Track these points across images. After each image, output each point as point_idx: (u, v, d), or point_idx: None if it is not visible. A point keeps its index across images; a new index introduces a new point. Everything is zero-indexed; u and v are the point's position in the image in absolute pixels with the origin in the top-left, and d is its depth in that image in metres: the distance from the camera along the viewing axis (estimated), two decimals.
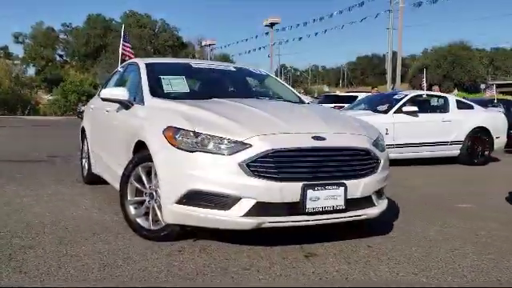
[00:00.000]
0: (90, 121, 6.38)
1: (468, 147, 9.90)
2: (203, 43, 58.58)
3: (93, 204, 5.19)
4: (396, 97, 10.09)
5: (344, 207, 3.58)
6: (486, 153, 10.12)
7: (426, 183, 7.42)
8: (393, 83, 31.64)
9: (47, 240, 3.81)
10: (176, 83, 4.75)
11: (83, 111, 29.18)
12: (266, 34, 42.97)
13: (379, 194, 3.95)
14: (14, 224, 4.26)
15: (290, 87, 5.63)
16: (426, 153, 9.58)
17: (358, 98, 14.99)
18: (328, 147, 3.58)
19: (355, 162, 3.69)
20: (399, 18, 28.05)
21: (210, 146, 3.47)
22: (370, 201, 3.83)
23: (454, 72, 59.12)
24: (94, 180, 6.12)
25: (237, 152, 3.41)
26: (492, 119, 10.34)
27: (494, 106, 13.66)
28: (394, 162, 6.24)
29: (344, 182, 3.56)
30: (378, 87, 20.85)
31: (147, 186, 3.90)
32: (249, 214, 3.40)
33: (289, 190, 3.41)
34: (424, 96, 10.51)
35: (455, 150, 9.87)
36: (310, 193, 3.43)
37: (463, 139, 9.85)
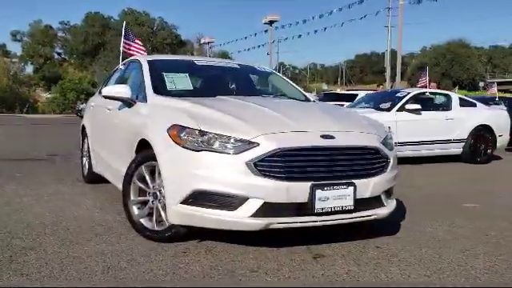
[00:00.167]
0: (91, 119, 6.28)
1: (471, 145, 9.84)
2: (202, 41, 58.40)
3: (94, 204, 5.10)
4: (398, 95, 10.01)
5: (353, 207, 3.49)
6: (489, 151, 10.07)
7: (431, 182, 7.34)
8: (392, 81, 31.60)
9: (48, 241, 3.72)
10: (179, 81, 4.65)
11: (82, 109, 29.06)
12: (265, 31, 42.88)
13: (388, 193, 3.86)
14: (14, 224, 4.17)
15: (295, 85, 5.54)
16: (429, 151, 9.51)
17: (358, 96, 14.92)
18: (337, 146, 3.49)
19: (365, 161, 3.61)
20: (399, 16, 27.96)
21: (216, 145, 3.38)
22: (380, 201, 3.75)
23: (453, 70, 59.19)
24: (95, 179, 6.03)
25: (244, 151, 3.32)
26: (495, 117, 10.28)
27: (495, 104, 13.60)
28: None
29: (353, 181, 3.48)
30: (383, 84, 20.66)
31: (151, 185, 3.80)
32: (256, 214, 3.30)
33: (297, 190, 3.32)
34: (427, 94, 10.43)
35: (458, 149, 9.80)
36: (318, 193, 3.34)
37: (466, 137, 9.79)
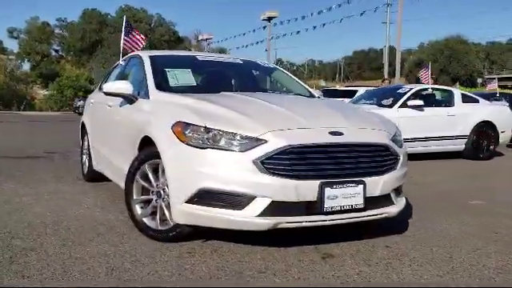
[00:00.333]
0: (91, 116, 6.18)
1: (473, 142, 9.77)
2: (200, 37, 58.10)
3: (95, 202, 5.00)
4: (400, 91, 9.92)
5: (363, 206, 3.40)
6: (491, 147, 9.99)
7: (435, 179, 7.26)
8: (390, 78, 31.45)
9: (50, 241, 3.62)
10: (182, 76, 4.56)
11: (79, 106, 28.86)
12: (264, 28, 42.68)
13: (397, 191, 3.78)
14: (14, 224, 4.07)
15: (299, 81, 5.44)
16: (431, 147, 9.43)
17: (358, 93, 14.81)
18: (346, 143, 3.40)
19: (374, 158, 3.51)
20: (399, 11, 27.82)
21: (222, 143, 3.29)
22: (389, 199, 3.66)
23: (451, 66, 59.05)
24: (95, 177, 5.94)
25: (251, 148, 3.22)
26: (497, 113, 10.21)
27: (496, 100, 13.52)
28: None
29: (363, 179, 3.39)
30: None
31: (154, 184, 3.71)
32: (264, 214, 3.21)
33: (306, 189, 3.23)
34: (429, 90, 10.34)
35: (460, 145, 9.72)
36: (327, 191, 3.25)
37: (468, 133, 9.72)
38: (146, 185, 3.76)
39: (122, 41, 8.37)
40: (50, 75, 53.49)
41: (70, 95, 41.45)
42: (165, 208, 3.61)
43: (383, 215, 3.61)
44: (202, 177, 3.27)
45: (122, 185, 4.42)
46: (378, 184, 3.47)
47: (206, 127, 3.34)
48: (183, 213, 3.36)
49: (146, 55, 4.90)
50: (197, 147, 3.31)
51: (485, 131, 9.88)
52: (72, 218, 4.35)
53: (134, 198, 3.81)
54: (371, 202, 3.46)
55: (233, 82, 5.09)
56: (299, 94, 4.96)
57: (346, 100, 12.16)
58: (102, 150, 5.39)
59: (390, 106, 9.30)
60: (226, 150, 3.26)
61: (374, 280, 3.01)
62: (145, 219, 3.74)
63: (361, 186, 3.36)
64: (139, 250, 3.46)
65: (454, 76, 57.24)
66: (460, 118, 9.65)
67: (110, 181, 5.37)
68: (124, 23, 8.46)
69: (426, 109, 9.41)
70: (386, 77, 38.31)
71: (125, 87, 4.43)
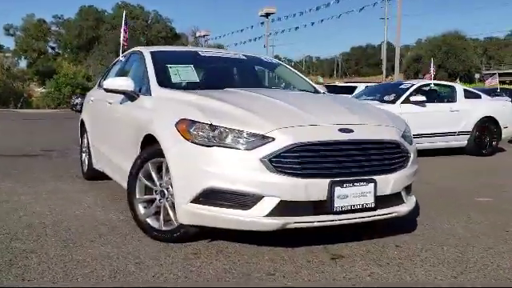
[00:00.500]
0: (90, 113, 6.06)
1: (476, 137, 9.68)
2: (197, 34, 57.95)
3: (95, 201, 4.89)
4: (402, 86, 9.82)
5: (374, 205, 3.30)
6: (494, 143, 9.91)
7: (439, 176, 7.16)
8: (389, 74, 31.44)
9: (50, 243, 3.52)
10: (184, 72, 4.44)
11: (77, 104, 28.62)
12: (262, 24, 42.54)
13: (408, 190, 3.67)
14: (13, 225, 3.97)
15: (304, 76, 5.33)
16: (434, 143, 9.33)
17: (358, 89, 14.70)
18: (356, 140, 3.29)
19: (385, 155, 3.41)
20: (398, 7, 27.71)
21: (228, 140, 3.18)
22: (400, 197, 3.56)
23: (449, 62, 59.01)
24: (95, 175, 5.83)
25: (258, 146, 3.11)
26: (500, 109, 10.12)
27: (496, 95, 13.45)
28: None
29: (374, 177, 3.28)
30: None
31: (158, 183, 3.60)
32: (272, 213, 3.11)
33: (315, 188, 3.12)
34: (431, 85, 10.24)
35: (463, 141, 9.63)
36: (337, 190, 3.15)
37: (471, 129, 9.62)
38: (149, 184, 3.65)
39: (121, 37, 8.25)
40: (47, 72, 53.26)
41: (68, 93, 41.23)
42: (169, 208, 3.51)
43: (394, 214, 3.51)
44: (208, 176, 3.16)
45: (124, 184, 4.32)
46: (388, 182, 3.37)
47: (211, 124, 3.23)
48: (188, 213, 3.25)
49: (146, 51, 4.78)
50: (202, 145, 3.20)
51: (487, 127, 9.79)
52: (72, 217, 4.25)
53: (137, 197, 3.70)
54: (382, 201, 3.36)
55: (236, 78, 4.98)
56: (304, 89, 4.86)
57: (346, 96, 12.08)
58: (103, 148, 5.28)
59: (393, 102, 9.20)
60: (233, 147, 3.15)
61: (387, 281, 2.92)
62: (148, 219, 3.63)
63: (371, 185, 3.26)
64: (143, 251, 3.36)
65: (452, 72, 57.21)
66: (463, 113, 9.56)
67: (109, 179, 5.27)
68: (123, 19, 8.35)
69: (428, 104, 9.32)
70: (384, 72, 38.37)
71: (126, 84, 4.32)
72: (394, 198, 3.50)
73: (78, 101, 28.42)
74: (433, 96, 9.82)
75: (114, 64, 6.14)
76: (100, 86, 6.18)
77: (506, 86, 22.84)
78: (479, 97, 10.15)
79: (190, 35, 65.78)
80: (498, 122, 9.85)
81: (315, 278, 2.93)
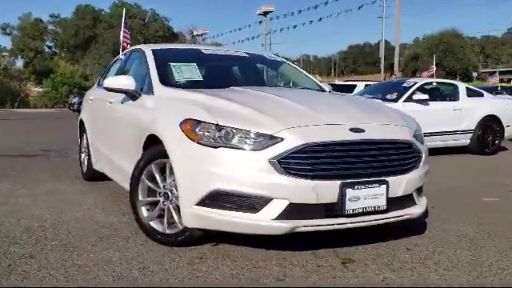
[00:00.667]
0: (90, 113, 5.94)
1: (479, 136, 9.58)
2: (195, 33, 57.81)
3: (95, 203, 4.77)
4: (405, 85, 9.71)
5: (386, 207, 3.19)
6: (497, 142, 9.82)
7: (444, 176, 7.04)
8: (388, 72, 31.39)
9: (50, 247, 3.40)
10: (187, 71, 4.32)
11: (74, 103, 28.29)
12: (260, 22, 42.44)
13: (419, 191, 3.57)
14: (11, 228, 3.85)
15: (308, 74, 5.21)
16: (437, 142, 9.21)
17: (357, 87, 14.58)
18: (368, 140, 3.18)
19: (397, 156, 3.30)
20: (397, 4, 27.62)
21: (235, 141, 3.06)
22: (412, 199, 3.45)
23: (446, 60, 58.99)
24: (95, 176, 5.72)
25: (266, 147, 3.00)
26: (503, 107, 10.03)
27: (497, 94, 13.37)
28: None
29: (386, 179, 3.17)
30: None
31: (161, 185, 3.48)
32: (281, 217, 2.99)
33: (326, 190, 3.01)
34: (434, 84, 10.14)
35: (466, 140, 9.53)
36: (349, 192, 3.03)
37: (474, 128, 9.52)
38: (152, 186, 3.53)
39: (121, 35, 8.12)
40: (44, 72, 52.96)
41: (65, 92, 41.01)
42: (173, 210, 3.39)
43: (406, 217, 3.40)
44: (214, 177, 3.05)
45: (124, 184, 4.22)
46: (401, 184, 3.26)
47: (217, 124, 3.11)
48: (194, 216, 3.14)
49: (148, 49, 4.66)
50: (208, 146, 3.09)
51: (490, 125, 9.70)
52: (72, 220, 4.13)
53: (140, 199, 3.58)
54: (394, 203, 3.25)
55: (241, 76, 4.86)
56: (309, 88, 4.74)
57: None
58: (103, 148, 5.16)
59: (395, 101, 9.08)
60: (240, 148, 3.03)
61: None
62: (151, 222, 3.52)
63: (384, 186, 3.15)
64: (146, 255, 3.24)
65: (450, 70, 57.23)
66: (465, 112, 9.46)
67: (109, 180, 5.16)
68: (123, 17, 8.23)
69: (430, 103, 9.21)
70: (382, 71, 38.29)
71: (127, 83, 4.20)
72: (406, 200, 3.39)
73: (76, 100, 28.16)
74: (435, 94, 9.72)
75: (114, 62, 6.01)
76: (99, 85, 6.07)
77: (504, 84, 22.80)
78: (482, 95, 10.06)
79: (187, 34, 65.57)
80: (500, 121, 9.76)
81: (327, 284, 2.82)
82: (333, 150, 3.07)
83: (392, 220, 3.31)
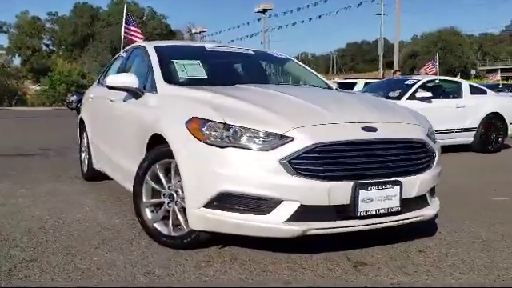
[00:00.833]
0: (90, 112, 5.82)
1: (482, 134, 9.49)
2: (193, 31, 57.56)
3: (97, 204, 4.66)
4: (408, 82, 9.62)
5: (399, 209, 3.09)
6: (500, 139, 9.73)
7: (449, 174, 6.89)
8: (387, 70, 31.26)
9: (51, 250, 3.29)
10: (191, 68, 4.20)
11: (72, 101, 28.15)
12: (259, 20, 42.27)
13: (432, 191, 3.47)
14: (11, 230, 3.74)
15: (315, 72, 5.10)
16: (441, 141, 9.10)
17: (357, 85, 14.48)
18: (381, 139, 3.07)
19: (411, 155, 3.19)
20: (397, 1, 27.50)
21: (244, 140, 2.94)
22: (425, 200, 3.35)
23: (445, 58, 58.95)
24: (95, 176, 5.61)
25: (276, 147, 2.89)
26: (506, 105, 9.94)
27: (499, 91, 13.29)
28: None
29: (399, 179, 3.07)
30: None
31: (166, 186, 3.37)
32: (291, 219, 2.88)
33: (338, 191, 2.90)
34: (436, 81, 10.04)
35: (469, 137, 9.45)
36: (362, 193, 2.93)
37: (477, 126, 9.43)
38: (156, 187, 3.42)
39: (122, 31, 7.99)
40: (42, 70, 52.80)
41: (63, 90, 40.85)
42: (178, 212, 3.29)
43: (419, 218, 3.30)
44: (222, 178, 2.94)
45: (126, 184, 4.13)
46: (414, 184, 3.16)
47: (225, 123, 3.00)
48: (201, 218, 3.03)
49: (150, 46, 4.55)
50: (215, 146, 2.98)
51: (493, 123, 9.61)
52: (73, 221, 4.02)
53: (144, 201, 3.47)
54: (407, 205, 3.15)
55: (246, 73, 4.74)
56: (317, 85, 4.63)
57: None
58: (104, 147, 5.05)
59: (398, 98, 8.98)
60: (249, 148, 2.92)
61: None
62: (156, 224, 3.41)
63: (397, 187, 3.05)
64: (151, 259, 3.14)
65: (448, 68, 57.19)
66: (469, 109, 9.37)
67: (110, 180, 5.05)
68: (124, 13, 8.10)
69: (434, 101, 9.12)
70: (380, 68, 38.14)
71: (130, 80, 4.08)
72: (420, 201, 3.29)
73: (74, 98, 28.03)
74: (438, 92, 9.61)
75: (115, 60, 5.90)
76: (99, 82, 5.96)
77: (505, 82, 22.74)
78: (485, 92, 9.97)
79: (185, 32, 65.30)
80: (504, 118, 9.68)
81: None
82: (345, 149, 2.96)
83: (405, 222, 3.21)
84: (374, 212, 3.00)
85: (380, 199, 2.99)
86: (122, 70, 5.13)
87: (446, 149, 9.13)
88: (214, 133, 3.01)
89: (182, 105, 3.49)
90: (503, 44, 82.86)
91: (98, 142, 5.30)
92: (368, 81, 16.09)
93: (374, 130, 3.07)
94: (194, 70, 4.20)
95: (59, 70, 43.67)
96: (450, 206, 4.71)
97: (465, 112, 9.35)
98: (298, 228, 2.88)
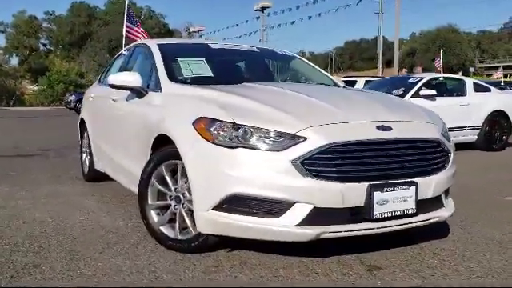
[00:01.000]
0: (91, 112, 5.70)
1: (486, 132, 9.40)
2: (191, 29, 57.44)
3: (99, 206, 4.56)
4: (411, 80, 9.52)
5: (415, 210, 2.98)
6: (504, 137, 9.65)
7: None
8: (386, 68, 31.24)
9: (54, 255, 3.18)
10: (196, 66, 4.09)
11: (71, 101, 28.05)
12: (257, 18, 42.17)
13: (446, 192, 3.36)
14: (12, 234, 3.63)
15: (321, 69, 4.99)
16: None
17: (358, 83, 14.36)
18: (396, 139, 2.96)
19: (426, 155, 3.08)
20: (396, 1, 27.42)
21: (254, 141, 2.83)
22: (440, 201, 3.25)
23: (444, 56, 58.95)
24: (97, 177, 5.50)
25: (288, 147, 2.78)
26: (510, 102, 9.84)
27: (501, 89, 13.20)
28: None
29: (415, 180, 2.96)
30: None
31: (172, 188, 3.26)
32: (304, 222, 2.78)
33: (352, 193, 2.79)
34: (440, 79, 9.94)
35: (473, 136, 9.36)
36: (377, 195, 2.82)
37: (481, 124, 9.35)
38: (162, 189, 3.31)
39: (124, 29, 7.87)
40: (39, 70, 52.62)
41: (61, 90, 40.73)
42: (185, 215, 3.18)
43: (435, 220, 3.20)
44: (231, 180, 2.83)
45: (129, 186, 4.04)
46: (430, 185, 3.06)
47: (234, 123, 2.89)
48: (209, 221, 2.92)
49: (153, 44, 4.43)
50: (224, 146, 2.87)
51: (498, 121, 9.53)
52: (76, 224, 3.92)
53: (150, 203, 3.36)
54: (422, 206, 3.05)
55: (252, 71, 4.63)
56: (323, 83, 4.53)
57: None
58: (106, 148, 4.94)
59: (402, 96, 8.86)
60: (259, 149, 2.81)
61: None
62: (162, 228, 3.30)
63: (413, 188, 2.94)
64: (158, 263, 3.03)
65: (447, 66, 57.17)
66: (473, 107, 9.29)
67: (111, 180, 4.95)
68: (126, 11, 7.99)
69: (438, 98, 9.02)
70: (379, 66, 38.11)
71: (133, 79, 3.97)
72: (435, 202, 3.19)
73: (72, 98, 27.90)
74: (442, 90, 9.53)
75: (116, 58, 5.78)
76: (100, 82, 5.85)
77: (507, 79, 22.65)
78: (489, 90, 9.88)
79: (183, 31, 65.15)
80: (508, 116, 9.60)
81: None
82: (360, 149, 2.86)
83: (421, 224, 3.11)
84: (389, 214, 2.89)
85: (395, 201, 2.89)
86: (124, 68, 5.02)
87: None
88: (222, 133, 2.90)
89: (188, 104, 3.38)
90: (501, 41, 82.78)
91: (100, 142, 5.19)
92: (368, 79, 15.96)
93: (388, 129, 2.97)
94: (199, 68, 4.09)
95: (57, 70, 43.56)
96: (457, 205, 4.57)
97: (469, 110, 9.26)
98: (311, 232, 2.78)
